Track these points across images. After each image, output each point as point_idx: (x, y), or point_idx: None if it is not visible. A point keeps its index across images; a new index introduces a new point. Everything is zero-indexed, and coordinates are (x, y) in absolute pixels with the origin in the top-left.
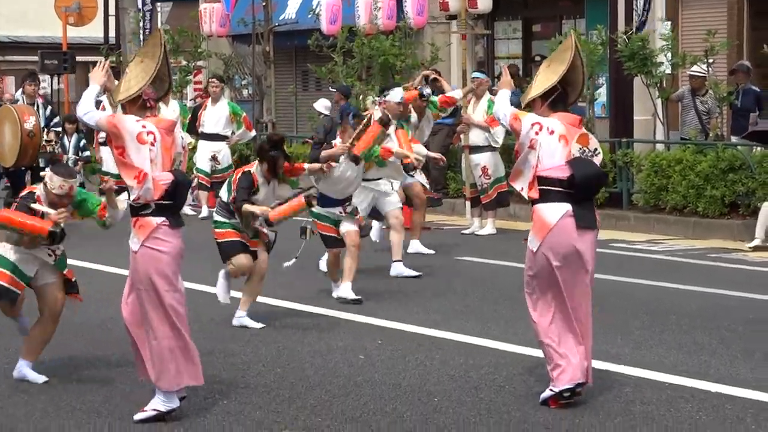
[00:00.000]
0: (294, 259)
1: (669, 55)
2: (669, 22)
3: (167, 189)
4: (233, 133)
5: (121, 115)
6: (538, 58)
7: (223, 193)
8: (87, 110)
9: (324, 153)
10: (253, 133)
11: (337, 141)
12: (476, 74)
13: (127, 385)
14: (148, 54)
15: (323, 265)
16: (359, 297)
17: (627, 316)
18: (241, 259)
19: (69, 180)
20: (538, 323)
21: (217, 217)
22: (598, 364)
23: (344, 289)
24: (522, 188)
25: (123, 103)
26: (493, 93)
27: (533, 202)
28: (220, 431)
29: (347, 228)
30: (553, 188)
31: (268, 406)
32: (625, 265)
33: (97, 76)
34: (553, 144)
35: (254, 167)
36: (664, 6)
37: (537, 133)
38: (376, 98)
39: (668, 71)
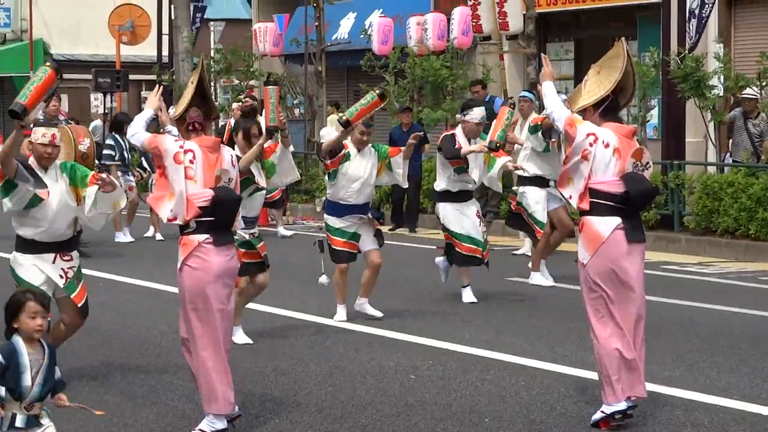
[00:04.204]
0: (324, 275)
1: (721, 77)
2: (722, 44)
3: (206, 206)
4: None
5: (161, 135)
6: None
7: None
8: (135, 131)
9: (325, 143)
10: (291, 147)
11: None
12: (525, 94)
13: (180, 402)
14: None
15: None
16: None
17: (678, 339)
18: (260, 278)
19: (50, 129)
20: (598, 337)
21: None
22: (649, 387)
23: (365, 305)
24: (570, 196)
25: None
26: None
27: (582, 213)
28: None
29: (369, 247)
30: (605, 202)
31: (320, 425)
32: (676, 287)
33: (153, 102)
34: (608, 157)
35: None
36: (717, 28)
37: (591, 145)
38: (457, 115)
39: (721, 94)
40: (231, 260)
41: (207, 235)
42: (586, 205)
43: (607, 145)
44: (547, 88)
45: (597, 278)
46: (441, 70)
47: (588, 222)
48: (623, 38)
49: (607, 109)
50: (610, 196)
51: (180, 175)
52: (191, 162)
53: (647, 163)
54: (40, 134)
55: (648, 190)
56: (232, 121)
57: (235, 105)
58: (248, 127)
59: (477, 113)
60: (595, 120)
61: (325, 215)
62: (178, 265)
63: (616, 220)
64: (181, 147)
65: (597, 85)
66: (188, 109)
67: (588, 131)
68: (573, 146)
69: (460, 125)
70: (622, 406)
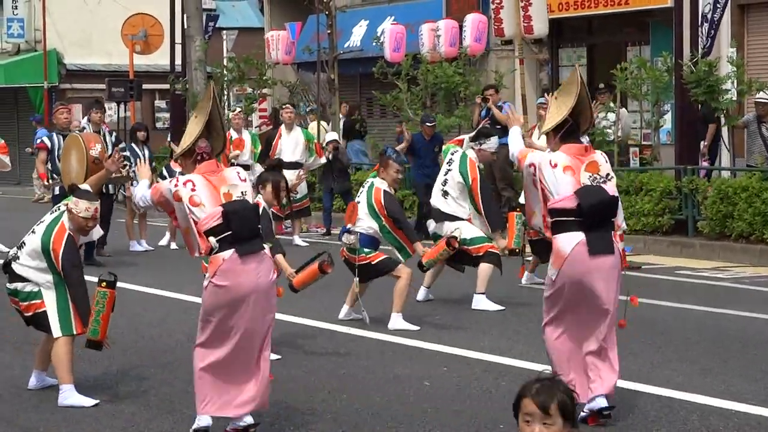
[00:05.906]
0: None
1: (735, 81)
2: (735, 49)
3: (219, 224)
4: (305, 160)
5: (159, 183)
6: (602, 86)
7: None
8: (140, 195)
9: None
10: (323, 159)
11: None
12: (542, 100)
13: (194, 411)
14: (202, 109)
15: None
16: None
17: (692, 344)
18: None
19: (94, 202)
20: (552, 346)
21: None
22: (664, 392)
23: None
24: (540, 227)
25: (179, 158)
26: None
27: (552, 233)
28: None
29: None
30: (565, 219)
31: None
32: (690, 292)
33: (144, 172)
34: (559, 176)
35: (257, 197)
36: (730, 32)
37: (534, 174)
38: (471, 143)
39: (734, 98)
40: (259, 276)
41: (231, 251)
42: (550, 227)
43: (555, 166)
44: (512, 133)
45: (561, 294)
46: (454, 76)
47: (554, 240)
48: (577, 65)
49: (566, 133)
50: (567, 211)
51: (184, 210)
52: (193, 190)
53: (607, 174)
54: (83, 208)
55: (601, 201)
56: (232, 131)
57: (231, 114)
58: (278, 181)
59: (494, 142)
60: (556, 144)
61: (364, 249)
62: (205, 283)
63: (578, 236)
64: (176, 184)
65: (556, 110)
66: (197, 141)
67: (529, 163)
68: (524, 180)
69: (471, 149)
70: (603, 402)
